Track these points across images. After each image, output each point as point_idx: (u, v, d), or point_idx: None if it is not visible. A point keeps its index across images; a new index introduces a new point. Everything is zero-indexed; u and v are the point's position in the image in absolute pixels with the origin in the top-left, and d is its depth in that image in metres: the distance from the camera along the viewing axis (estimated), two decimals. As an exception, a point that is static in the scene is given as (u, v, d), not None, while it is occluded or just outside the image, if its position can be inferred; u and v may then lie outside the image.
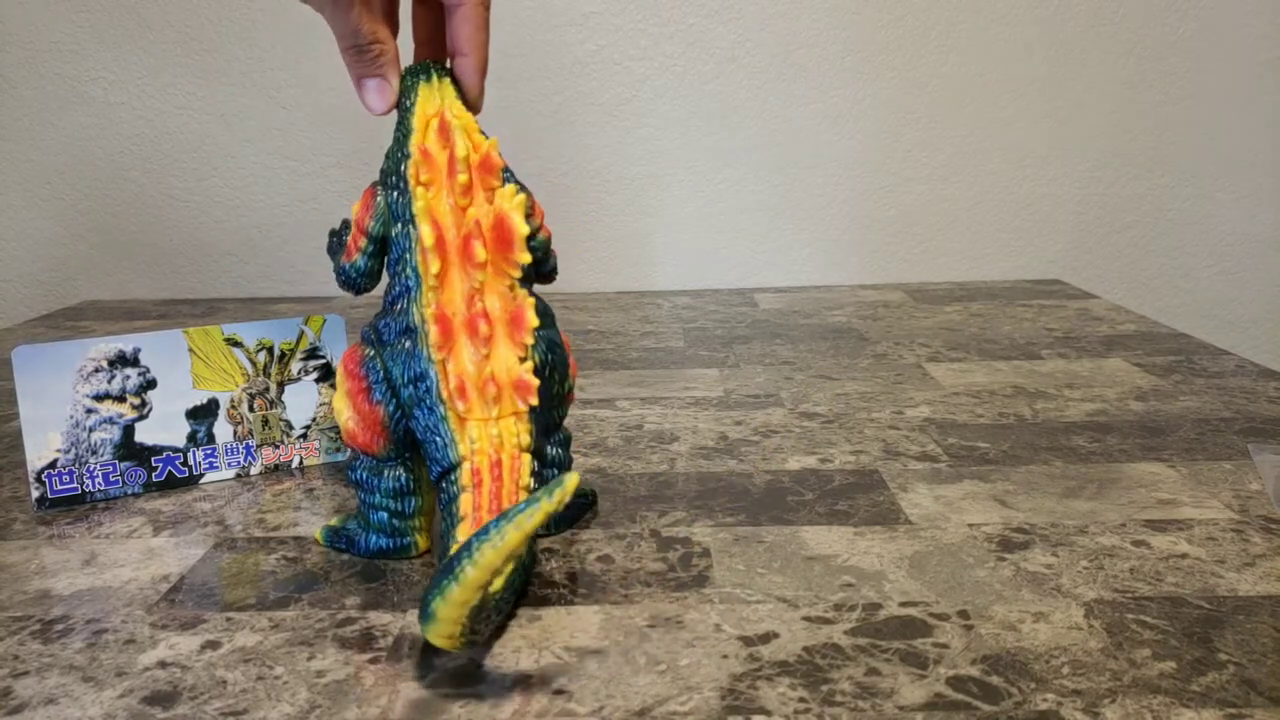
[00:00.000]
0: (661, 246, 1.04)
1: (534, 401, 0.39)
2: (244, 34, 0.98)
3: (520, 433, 0.39)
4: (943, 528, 0.44)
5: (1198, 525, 0.44)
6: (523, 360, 0.40)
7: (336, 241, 0.46)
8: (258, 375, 0.52)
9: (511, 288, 0.40)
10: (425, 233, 0.39)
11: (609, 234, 1.04)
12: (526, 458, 0.39)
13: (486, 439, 0.39)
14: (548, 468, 0.43)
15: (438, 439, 0.39)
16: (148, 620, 0.38)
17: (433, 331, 0.39)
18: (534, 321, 0.39)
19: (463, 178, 0.40)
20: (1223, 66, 1.00)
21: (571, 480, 0.29)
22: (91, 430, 0.49)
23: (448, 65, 0.45)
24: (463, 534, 0.36)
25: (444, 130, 0.42)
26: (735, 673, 0.33)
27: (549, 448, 0.44)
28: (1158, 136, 1.02)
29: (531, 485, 0.39)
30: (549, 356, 0.41)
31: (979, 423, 0.58)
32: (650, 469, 0.52)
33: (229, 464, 0.52)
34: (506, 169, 0.42)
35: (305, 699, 0.32)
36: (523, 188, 0.42)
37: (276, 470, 0.53)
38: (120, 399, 0.49)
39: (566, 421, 0.59)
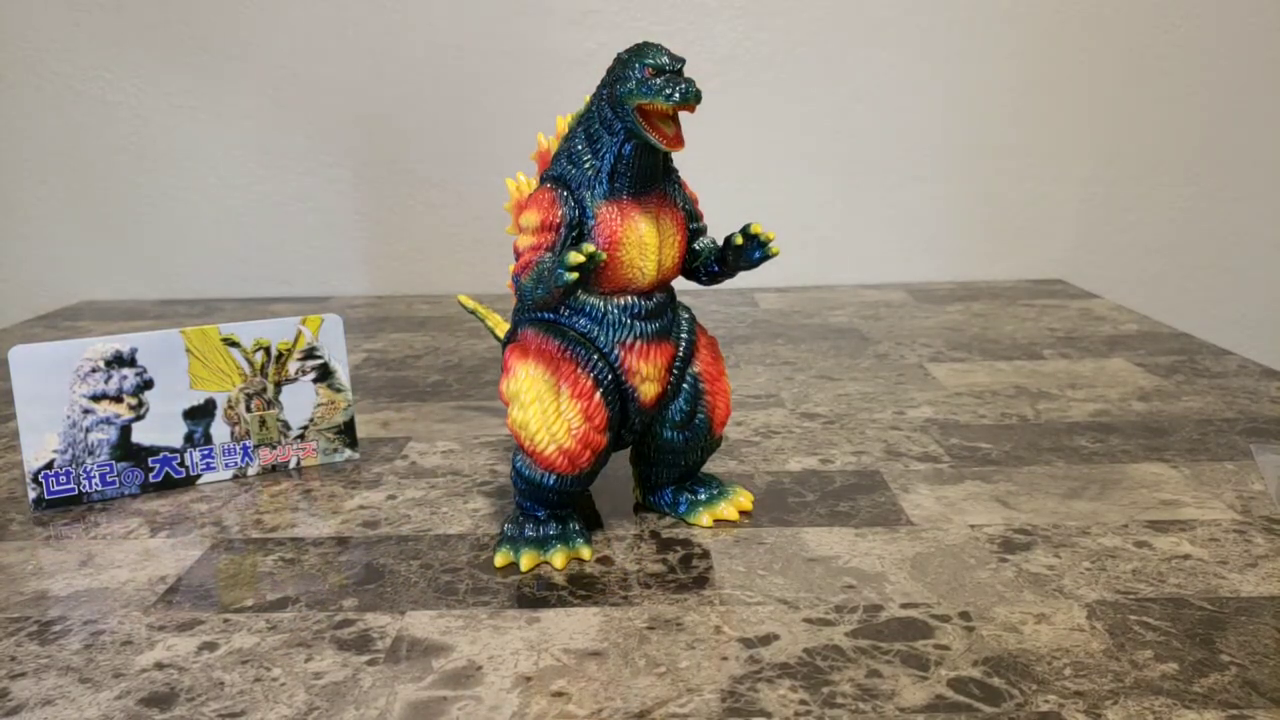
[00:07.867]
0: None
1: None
2: (243, 33, 0.98)
3: None
4: (944, 529, 0.44)
5: (1200, 526, 0.44)
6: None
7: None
8: (255, 375, 0.52)
9: None
10: None
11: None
12: None
13: None
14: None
15: None
16: (145, 621, 0.38)
17: None
18: None
19: None
20: (1223, 66, 0.99)
21: None
22: (88, 431, 0.48)
23: None
24: None
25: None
26: (735, 675, 0.33)
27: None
28: (1159, 136, 1.01)
29: None
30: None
31: (981, 423, 0.58)
32: (650, 469, 0.52)
33: (226, 465, 0.51)
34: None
35: (303, 700, 0.32)
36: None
37: (274, 471, 0.53)
38: (117, 399, 0.49)
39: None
